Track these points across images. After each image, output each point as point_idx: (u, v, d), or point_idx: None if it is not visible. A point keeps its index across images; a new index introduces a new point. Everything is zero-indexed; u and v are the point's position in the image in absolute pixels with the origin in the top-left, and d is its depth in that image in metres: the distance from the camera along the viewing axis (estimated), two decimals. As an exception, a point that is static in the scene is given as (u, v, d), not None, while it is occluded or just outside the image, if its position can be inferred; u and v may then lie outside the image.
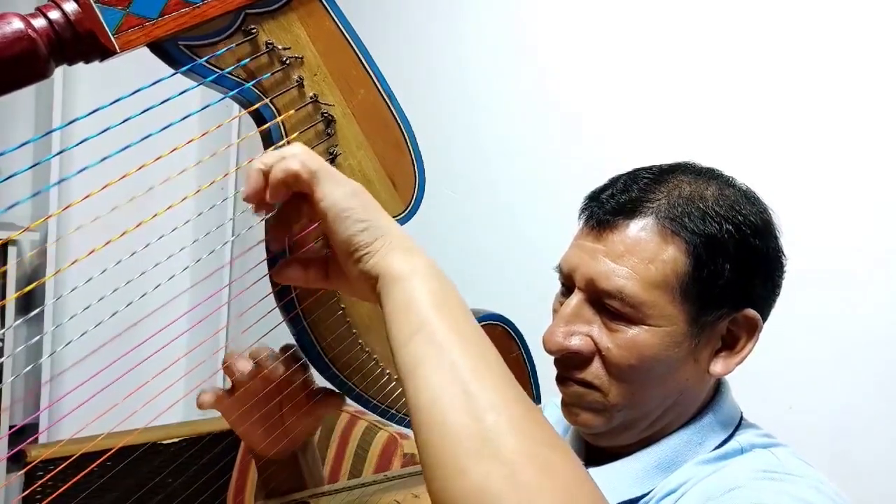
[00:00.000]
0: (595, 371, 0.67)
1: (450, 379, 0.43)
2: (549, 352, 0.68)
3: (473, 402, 0.42)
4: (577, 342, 0.66)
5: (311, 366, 0.64)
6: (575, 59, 1.46)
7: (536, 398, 0.76)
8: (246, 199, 0.50)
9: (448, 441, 0.41)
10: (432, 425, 0.42)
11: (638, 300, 0.63)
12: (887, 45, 1.03)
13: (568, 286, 0.70)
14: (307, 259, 0.55)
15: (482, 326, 0.69)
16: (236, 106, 0.54)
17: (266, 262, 0.56)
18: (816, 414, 1.10)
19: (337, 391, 0.66)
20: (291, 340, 0.61)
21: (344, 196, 0.48)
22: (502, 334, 0.72)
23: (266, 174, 0.48)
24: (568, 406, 0.70)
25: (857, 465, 1.05)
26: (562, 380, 0.70)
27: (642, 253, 0.64)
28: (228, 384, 0.66)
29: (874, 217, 1.05)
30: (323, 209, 0.48)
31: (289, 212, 0.52)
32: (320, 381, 0.66)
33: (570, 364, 0.68)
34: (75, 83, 2.11)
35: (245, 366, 0.64)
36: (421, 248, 0.50)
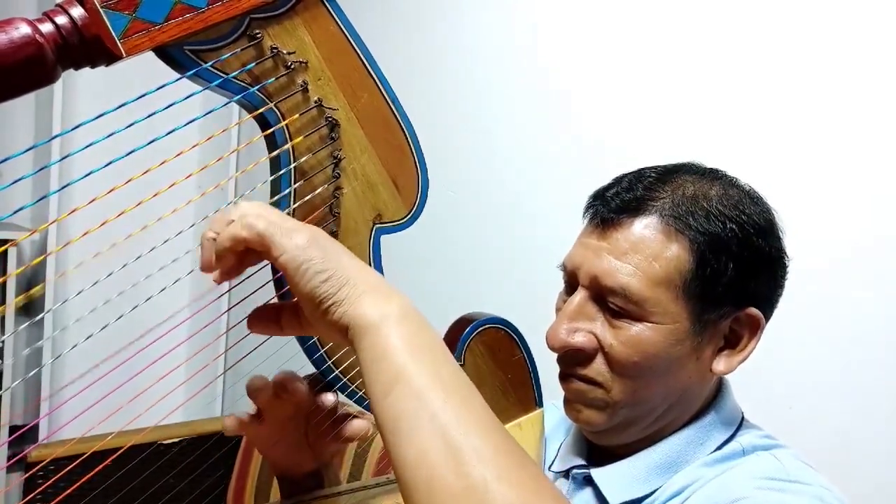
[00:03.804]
0: (598, 368, 0.67)
1: (433, 433, 0.41)
2: (552, 348, 0.68)
3: (459, 455, 0.40)
4: (580, 339, 0.67)
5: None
6: (578, 58, 1.47)
7: (538, 401, 0.76)
8: (203, 271, 0.47)
9: (437, 499, 0.40)
10: (420, 484, 0.41)
11: (641, 297, 0.64)
12: (886, 45, 1.04)
13: (572, 284, 0.71)
14: (279, 308, 0.53)
15: (485, 330, 0.71)
16: (239, 110, 0.54)
17: (270, 266, 0.56)
18: (816, 414, 1.10)
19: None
20: (293, 346, 0.61)
21: (299, 248, 0.45)
22: (505, 338, 0.72)
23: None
24: (570, 403, 0.71)
25: (857, 465, 1.05)
26: (564, 377, 0.70)
27: (646, 250, 0.65)
28: (252, 407, 0.66)
29: (876, 217, 1.05)
30: (282, 264, 0.46)
31: (242, 261, 0.49)
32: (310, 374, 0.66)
33: (572, 361, 0.69)
34: (75, 87, 2.11)
35: (269, 390, 0.63)
36: (392, 287, 0.48)
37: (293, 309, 0.52)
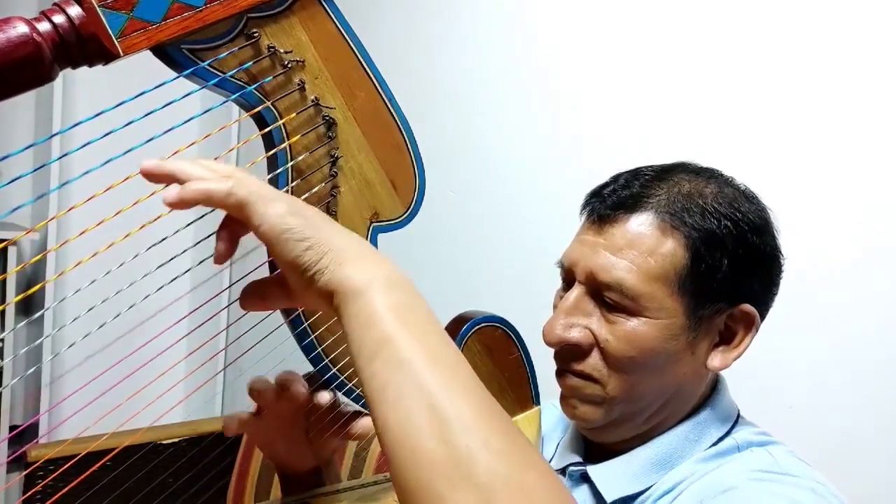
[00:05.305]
0: (594, 363, 0.67)
1: (419, 401, 0.40)
2: (549, 343, 0.69)
3: (445, 424, 0.39)
4: (576, 334, 0.67)
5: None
6: (576, 59, 1.47)
7: (535, 400, 0.76)
8: (148, 176, 0.46)
9: (422, 468, 0.39)
10: (405, 452, 0.40)
11: (637, 292, 0.64)
12: (884, 46, 1.04)
13: (568, 281, 0.71)
14: (265, 283, 0.52)
15: (482, 328, 0.71)
16: (237, 109, 0.54)
17: (267, 263, 0.56)
18: (816, 414, 1.10)
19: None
20: (292, 343, 0.62)
21: (280, 216, 0.44)
22: (502, 336, 0.72)
23: (174, 178, 0.45)
24: (567, 399, 0.71)
25: (857, 464, 1.05)
26: (561, 373, 0.71)
27: (642, 246, 0.65)
28: (252, 406, 0.67)
29: (874, 217, 1.05)
30: (263, 234, 0.45)
31: (234, 227, 0.48)
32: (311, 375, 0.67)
33: (568, 356, 0.69)
34: (75, 85, 2.11)
35: (271, 391, 0.63)
36: (379, 254, 0.47)
37: (278, 281, 0.51)
